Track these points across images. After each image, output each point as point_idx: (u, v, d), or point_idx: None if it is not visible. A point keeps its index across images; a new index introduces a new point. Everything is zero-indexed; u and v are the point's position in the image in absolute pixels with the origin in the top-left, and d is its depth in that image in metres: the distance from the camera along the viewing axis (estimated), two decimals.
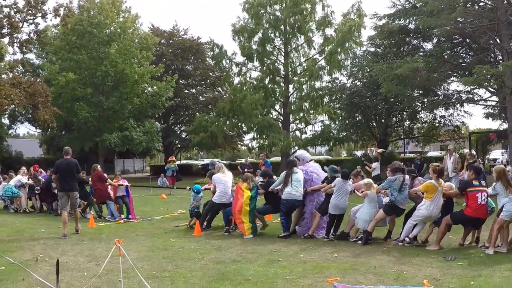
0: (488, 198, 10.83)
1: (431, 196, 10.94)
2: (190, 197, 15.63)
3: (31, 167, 22.49)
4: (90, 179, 17.96)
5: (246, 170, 19.34)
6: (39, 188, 19.96)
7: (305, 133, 45.72)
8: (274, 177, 14.47)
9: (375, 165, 23.76)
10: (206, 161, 68.63)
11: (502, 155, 46.38)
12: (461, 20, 27.23)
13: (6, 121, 60.13)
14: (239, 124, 46.80)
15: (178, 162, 39.73)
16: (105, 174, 17.90)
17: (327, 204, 12.58)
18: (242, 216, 13.07)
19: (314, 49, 45.13)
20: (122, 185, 17.51)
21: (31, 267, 9.49)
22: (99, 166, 18.03)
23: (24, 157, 59.26)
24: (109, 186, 17.53)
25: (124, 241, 10.53)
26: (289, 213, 13.22)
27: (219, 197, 14.12)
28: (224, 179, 14.25)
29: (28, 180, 20.77)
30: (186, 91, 58.13)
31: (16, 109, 45.84)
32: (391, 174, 11.68)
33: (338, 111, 43.34)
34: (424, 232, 11.58)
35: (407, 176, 11.62)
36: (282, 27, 43.94)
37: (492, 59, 29.42)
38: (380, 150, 28.83)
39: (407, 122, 42.56)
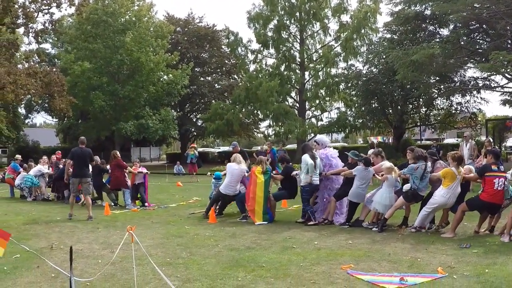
0: (509, 185, 10.71)
1: (449, 183, 10.80)
2: (211, 184, 15.64)
3: (53, 155, 22.60)
4: (109, 166, 18.03)
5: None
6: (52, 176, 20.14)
7: (321, 120, 45.84)
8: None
9: (370, 152, 23.73)
10: (222, 148, 68.76)
11: None
12: (477, 5, 26.96)
13: (22, 111, 60.58)
14: (255, 111, 46.89)
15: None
16: (124, 162, 17.90)
17: (343, 190, 12.55)
18: (256, 204, 13.06)
19: (330, 35, 45.13)
20: (141, 172, 17.55)
21: (46, 254, 9.52)
22: (118, 153, 18.02)
23: (40, 146, 59.62)
24: (126, 174, 17.54)
25: (138, 228, 10.59)
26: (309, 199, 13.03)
27: (225, 187, 14.08)
28: (235, 171, 14.12)
29: (49, 168, 20.85)
30: (202, 78, 58.13)
31: (32, 98, 46.07)
32: (413, 161, 11.52)
33: (354, 98, 43.22)
34: (438, 218, 11.53)
35: (429, 163, 11.48)
36: (298, 13, 43.80)
37: (509, 45, 29.09)
38: (379, 139, 28.81)
39: (423, 109, 42.33)
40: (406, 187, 11.50)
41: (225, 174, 14.97)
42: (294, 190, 13.59)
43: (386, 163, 12.31)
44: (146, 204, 17.13)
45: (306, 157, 12.77)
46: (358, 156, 12.94)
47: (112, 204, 17.36)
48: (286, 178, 13.64)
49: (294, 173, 13.45)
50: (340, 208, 13.04)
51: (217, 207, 14.65)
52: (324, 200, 13.25)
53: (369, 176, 12.40)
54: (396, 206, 11.58)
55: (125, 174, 17.45)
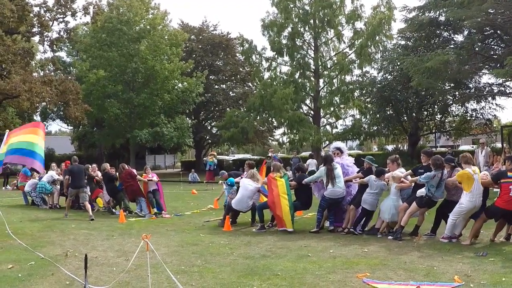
0: None
1: (469, 186, 10.59)
2: (224, 191, 15.64)
3: (62, 163, 22.62)
4: (118, 176, 17.97)
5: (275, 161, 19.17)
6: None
7: (336, 127, 45.64)
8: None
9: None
10: (237, 156, 68.80)
11: None
12: (492, 11, 26.83)
13: (38, 118, 60.75)
14: (270, 119, 46.86)
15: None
16: (134, 170, 17.95)
17: (360, 196, 12.49)
18: (282, 208, 12.80)
19: (344, 42, 44.98)
20: (151, 180, 17.49)
21: (61, 262, 9.55)
22: (126, 166, 18.09)
23: (56, 153, 59.84)
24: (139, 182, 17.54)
25: (153, 236, 10.59)
26: (328, 209, 12.94)
27: (237, 203, 13.92)
28: (249, 188, 13.95)
29: (59, 176, 20.86)
30: (216, 86, 58.18)
31: (48, 106, 46.32)
32: (426, 166, 11.46)
33: (368, 105, 43.10)
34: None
35: (445, 171, 11.29)
36: (312, 21, 43.73)
37: None
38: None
39: (438, 116, 42.10)
40: (421, 192, 11.40)
41: (238, 182, 14.91)
42: (308, 200, 13.53)
43: (397, 173, 12.30)
44: (164, 211, 17.06)
45: (321, 169, 12.96)
46: (373, 161, 12.95)
47: (127, 212, 17.30)
48: (300, 188, 13.54)
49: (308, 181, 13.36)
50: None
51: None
52: (344, 206, 13.14)
53: (381, 187, 12.32)
54: (410, 212, 11.45)
55: (138, 182, 17.39)
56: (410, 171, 12.51)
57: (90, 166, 19.29)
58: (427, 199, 11.24)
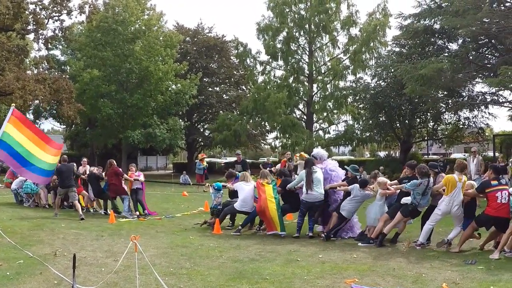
0: None
1: (450, 191, 10.75)
2: (211, 195, 15.49)
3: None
4: (104, 174, 18.01)
5: (268, 169, 19.21)
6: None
7: (328, 133, 45.75)
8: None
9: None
10: (229, 159, 68.77)
11: None
12: (486, 20, 26.90)
13: (30, 116, 60.60)
14: (263, 123, 46.97)
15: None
16: (120, 169, 17.93)
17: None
18: (270, 212, 12.92)
19: (339, 48, 45.12)
20: (137, 179, 17.43)
21: (50, 261, 9.53)
22: (114, 162, 18.06)
23: None
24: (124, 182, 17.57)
25: (142, 237, 10.58)
26: (308, 213, 12.99)
27: (241, 205, 13.96)
28: (246, 187, 14.13)
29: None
30: (210, 89, 58.15)
31: (41, 104, 46.16)
32: (419, 177, 11.36)
33: (361, 111, 43.14)
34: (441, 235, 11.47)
35: (431, 179, 11.37)
36: (307, 26, 43.83)
37: None
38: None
39: (431, 123, 42.15)
40: (406, 200, 11.39)
41: (224, 186, 15.19)
42: (296, 202, 13.50)
43: (379, 179, 12.47)
44: (146, 211, 17.20)
45: (301, 173, 13.17)
46: (356, 170, 13.11)
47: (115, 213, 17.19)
48: (287, 191, 13.66)
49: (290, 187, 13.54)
50: (349, 224, 12.95)
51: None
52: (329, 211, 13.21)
53: (364, 196, 12.37)
54: (394, 221, 11.48)
55: (122, 181, 17.47)
56: (395, 181, 12.60)
57: (75, 164, 19.04)
58: (413, 208, 11.29)
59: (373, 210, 12.05)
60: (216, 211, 14.66)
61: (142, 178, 17.88)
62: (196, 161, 31.77)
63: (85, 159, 20.30)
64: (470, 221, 10.93)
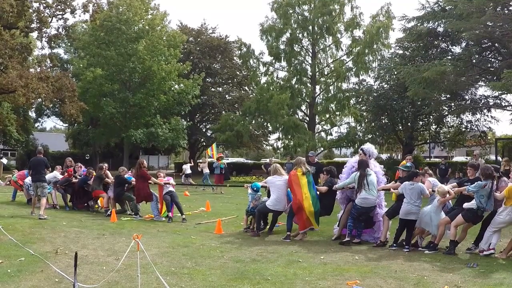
0: None
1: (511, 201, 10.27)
2: (248, 196, 14.57)
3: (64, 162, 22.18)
4: (135, 173, 17.14)
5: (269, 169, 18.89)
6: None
7: (331, 134, 45.71)
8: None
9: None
10: (231, 159, 68.77)
11: None
12: (490, 24, 26.86)
13: (33, 114, 60.77)
14: (265, 123, 46.93)
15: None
16: (148, 173, 16.82)
17: (396, 206, 11.84)
18: (306, 210, 12.30)
19: (342, 50, 45.20)
20: (168, 183, 16.42)
21: (51, 259, 9.52)
22: (145, 163, 17.20)
23: (50, 150, 59.71)
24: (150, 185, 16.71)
25: (144, 236, 10.56)
26: (360, 218, 12.19)
27: (274, 203, 13.02)
28: (278, 183, 13.13)
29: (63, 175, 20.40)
30: (213, 89, 58.27)
31: (43, 103, 46.14)
32: (482, 179, 10.64)
33: (364, 113, 43.15)
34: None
35: (495, 182, 10.73)
36: (310, 27, 43.85)
37: None
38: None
39: (434, 126, 42.10)
40: (469, 205, 10.69)
41: (263, 186, 14.23)
42: (329, 205, 13.07)
43: (442, 186, 11.52)
44: (170, 214, 16.15)
45: (353, 174, 12.36)
46: (409, 168, 12.46)
47: (133, 214, 16.89)
48: (325, 193, 12.91)
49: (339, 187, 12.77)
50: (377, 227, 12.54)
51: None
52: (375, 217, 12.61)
53: (417, 191, 11.34)
54: (456, 225, 10.80)
55: (148, 185, 16.56)
56: (455, 183, 12.00)
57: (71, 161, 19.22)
58: (477, 211, 10.62)
59: (429, 215, 11.24)
60: (253, 215, 13.84)
61: (172, 181, 16.87)
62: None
63: (106, 165, 19.13)
64: None
